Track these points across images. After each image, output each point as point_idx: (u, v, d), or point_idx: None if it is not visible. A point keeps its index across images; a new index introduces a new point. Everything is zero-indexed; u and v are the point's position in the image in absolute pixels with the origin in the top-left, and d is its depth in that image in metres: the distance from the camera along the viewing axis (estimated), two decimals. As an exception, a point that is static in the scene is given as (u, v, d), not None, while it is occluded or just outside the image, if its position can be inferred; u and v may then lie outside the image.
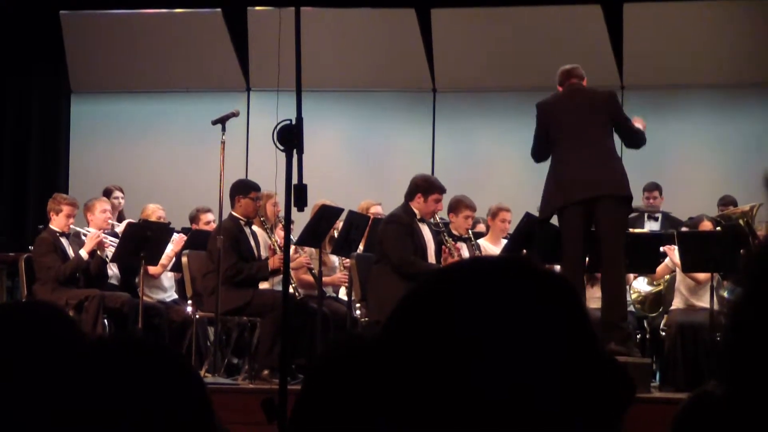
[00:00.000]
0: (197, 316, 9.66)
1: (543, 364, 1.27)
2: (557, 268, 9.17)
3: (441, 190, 9.53)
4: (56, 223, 9.83)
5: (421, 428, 1.27)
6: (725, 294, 9.29)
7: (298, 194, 5.48)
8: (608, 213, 8.47)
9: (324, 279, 9.92)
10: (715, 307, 9.15)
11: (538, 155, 8.85)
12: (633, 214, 10.41)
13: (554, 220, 9.60)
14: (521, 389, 1.25)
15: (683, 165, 12.88)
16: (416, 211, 9.39)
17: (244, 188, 9.60)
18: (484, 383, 1.25)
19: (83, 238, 9.86)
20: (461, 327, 1.27)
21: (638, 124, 8.85)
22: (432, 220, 9.58)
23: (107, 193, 11.41)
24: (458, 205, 10.00)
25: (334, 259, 10.38)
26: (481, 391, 1.25)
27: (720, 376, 1.39)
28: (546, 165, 9.07)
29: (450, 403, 1.25)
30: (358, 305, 9.84)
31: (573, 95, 8.76)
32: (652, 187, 11.58)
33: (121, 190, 11.74)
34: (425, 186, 9.47)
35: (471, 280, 1.32)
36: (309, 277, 9.88)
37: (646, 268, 9.87)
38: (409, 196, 9.46)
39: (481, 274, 1.33)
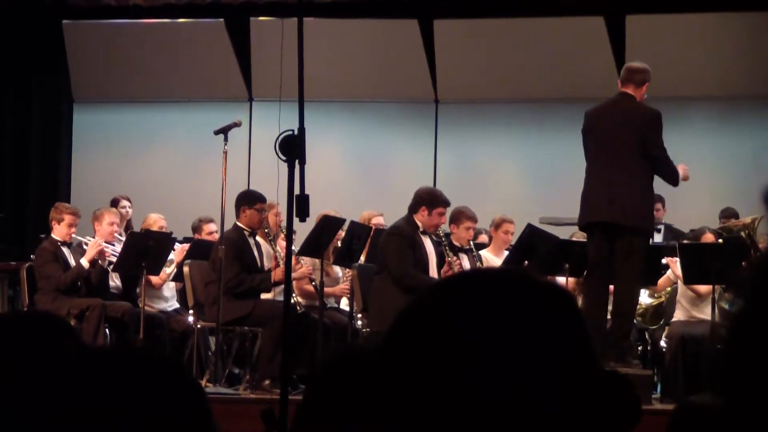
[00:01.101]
0: (198, 326, 9.66)
1: (544, 365, 1.27)
2: (559, 279, 9.19)
3: (445, 203, 9.50)
4: (58, 233, 9.83)
5: (424, 430, 1.27)
6: (726, 305, 9.29)
7: (300, 205, 5.48)
8: (623, 239, 8.39)
9: (327, 290, 9.92)
10: (717, 319, 9.14)
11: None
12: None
13: (557, 231, 9.63)
14: (523, 390, 1.26)
15: (685, 177, 12.87)
16: (419, 224, 9.38)
17: (249, 199, 9.59)
18: (486, 384, 1.26)
19: (85, 247, 9.86)
20: (462, 329, 1.28)
21: (680, 169, 8.65)
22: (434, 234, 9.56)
23: (114, 203, 11.38)
24: (460, 216, 9.98)
25: (338, 270, 10.37)
26: (483, 392, 1.25)
27: (718, 387, 1.38)
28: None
29: (452, 404, 1.26)
30: (359, 316, 9.83)
31: (616, 107, 8.56)
32: (655, 199, 11.57)
33: (129, 200, 11.68)
34: (430, 199, 9.44)
35: (472, 287, 1.32)
36: (311, 288, 9.87)
37: (648, 280, 9.86)
38: (413, 208, 9.43)
39: (482, 281, 1.33)
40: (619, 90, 8.64)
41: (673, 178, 8.65)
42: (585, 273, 8.80)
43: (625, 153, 8.39)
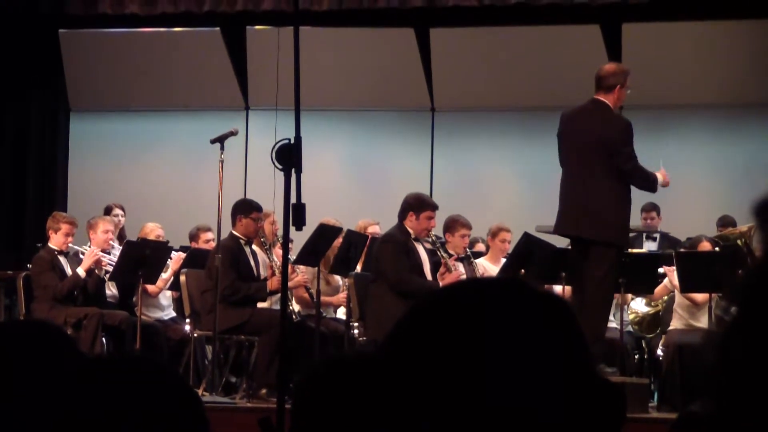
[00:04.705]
0: (195, 335, 9.66)
1: (544, 372, 1.27)
2: (556, 288, 9.19)
3: (433, 207, 9.50)
4: (55, 242, 9.83)
5: None
6: (719, 313, 9.29)
7: (296, 213, 5.48)
8: (593, 251, 8.23)
9: (325, 299, 9.91)
10: (714, 327, 9.14)
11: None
12: (631, 234, 10.39)
13: (554, 239, 9.61)
14: (523, 398, 1.25)
15: (682, 185, 12.87)
16: (410, 230, 9.38)
17: (245, 208, 9.59)
18: (486, 391, 1.25)
19: (81, 256, 9.85)
20: (461, 337, 1.28)
21: (659, 175, 8.40)
22: (427, 238, 9.55)
23: (107, 211, 11.39)
24: (453, 224, 9.99)
25: (338, 278, 10.36)
26: (483, 399, 1.25)
27: (710, 396, 1.39)
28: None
29: (451, 412, 1.26)
30: (356, 324, 9.82)
31: (586, 115, 8.39)
32: (650, 208, 11.58)
33: (122, 208, 11.70)
34: (417, 204, 9.45)
35: (472, 295, 1.32)
36: (307, 296, 9.87)
37: (644, 288, 9.86)
38: (402, 215, 9.44)
39: (479, 289, 1.33)
40: (593, 97, 8.52)
41: (649, 185, 8.41)
42: (573, 285, 8.68)
43: (597, 162, 8.20)
